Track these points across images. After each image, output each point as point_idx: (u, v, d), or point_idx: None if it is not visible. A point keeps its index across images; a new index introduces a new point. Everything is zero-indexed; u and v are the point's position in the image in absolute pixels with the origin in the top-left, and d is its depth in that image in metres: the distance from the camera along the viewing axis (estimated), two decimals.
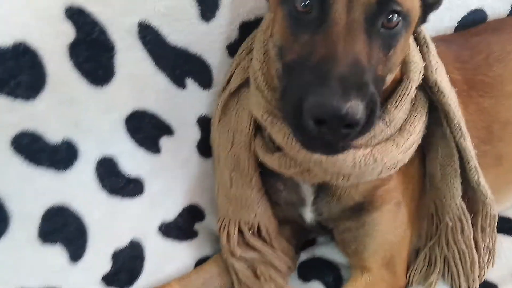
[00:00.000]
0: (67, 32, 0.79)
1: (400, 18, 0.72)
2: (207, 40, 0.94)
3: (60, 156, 0.82)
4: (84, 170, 0.85)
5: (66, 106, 0.81)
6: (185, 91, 0.95)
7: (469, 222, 0.93)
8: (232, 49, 0.97)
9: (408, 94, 0.83)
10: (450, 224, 0.93)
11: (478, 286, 0.95)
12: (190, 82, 0.95)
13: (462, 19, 1.22)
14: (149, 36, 0.87)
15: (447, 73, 0.92)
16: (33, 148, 0.79)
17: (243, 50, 0.95)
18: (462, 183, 0.91)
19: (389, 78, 0.79)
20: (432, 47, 0.89)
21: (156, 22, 0.87)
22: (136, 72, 0.88)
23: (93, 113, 0.85)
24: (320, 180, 0.86)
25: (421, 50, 0.88)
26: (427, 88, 0.88)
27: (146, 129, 0.92)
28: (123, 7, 0.84)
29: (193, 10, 0.90)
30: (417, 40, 0.89)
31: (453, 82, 0.94)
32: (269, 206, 0.98)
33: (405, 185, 0.94)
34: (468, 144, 0.90)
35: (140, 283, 0.96)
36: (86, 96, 0.83)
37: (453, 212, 0.92)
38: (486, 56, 1.07)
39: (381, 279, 0.95)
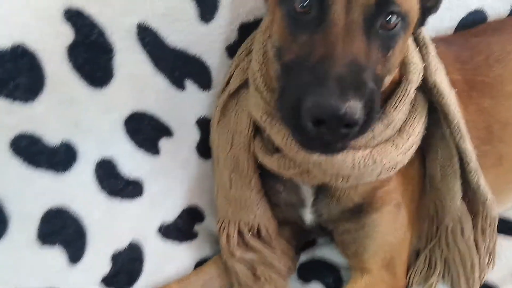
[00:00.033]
0: (66, 34, 0.79)
1: (398, 19, 0.72)
2: (206, 41, 0.94)
3: (59, 157, 0.82)
4: (83, 172, 0.85)
5: (65, 107, 0.81)
6: (185, 92, 0.95)
7: (469, 223, 0.93)
8: (231, 50, 0.97)
9: (407, 96, 0.83)
10: (450, 225, 0.93)
11: None
12: (189, 83, 0.95)
13: (462, 19, 1.22)
14: (148, 37, 0.87)
15: (447, 73, 0.92)
16: (32, 150, 0.79)
17: (243, 51, 0.95)
18: (462, 184, 0.91)
19: (388, 80, 0.79)
20: (431, 48, 0.89)
21: (155, 24, 0.87)
22: (135, 73, 0.88)
23: (92, 115, 0.85)
24: (320, 181, 0.86)
25: (420, 51, 0.88)
26: (427, 89, 0.88)
27: (146, 130, 0.92)
28: (122, 8, 0.84)
29: (192, 11, 0.89)
30: (416, 41, 0.89)
31: (453, 82, 0.94)
32: (269, 207, 0.98)
33: (405, 186, 0.94)
34: (468, 146, 0.89)
35: (140, 284, 0.96)
36: (85, 98, 0.83)
37: (453, 214, 0.92)
38: (486, 57, 1.07)
39: (381, 281, 0.95)
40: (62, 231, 0.84)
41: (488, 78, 1.05)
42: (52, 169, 0.81)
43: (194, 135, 1.00)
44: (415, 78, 0.84)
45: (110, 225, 0.91)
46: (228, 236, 0.97)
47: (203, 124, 1.00)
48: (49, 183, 0.82)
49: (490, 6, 1.24)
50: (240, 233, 0.97)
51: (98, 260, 0.90)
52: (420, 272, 0.98)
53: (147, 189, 0.95)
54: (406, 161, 0.86)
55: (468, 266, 0.94)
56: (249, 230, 0.97)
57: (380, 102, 0.76)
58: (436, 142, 0.92)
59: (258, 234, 0.98)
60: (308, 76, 0.66)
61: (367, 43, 0.69)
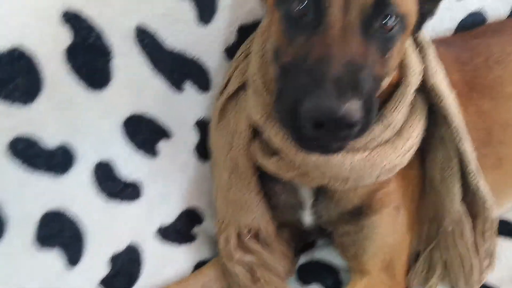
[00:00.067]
0: (64, 36, 0.79)
1: (396, 21, 0.72)
2: (205, 43, 0.94)
3: (57, 160, 0.82)
4: (81, 174, 0.85)
5: (63, 110, 0.81)
6: (183, 94, 0.95)
7: (469, 225, 0.92)
8: (230, 52, 0.97)
9: (406, 97, 0.83)
10: (449, 227, 0.92)
11: None
12: (188, 86, 0.95)
13: (462, 20, 1.22)
14: (146, 39, 0.87)
15: (447, 75, 0.92)
16: (30, 153, 0.79)
17: (241, 53, 0.95)
18: (462, 186, 0.91)
19: (386, 81, 0.79)
20: (431, 50, 0.89)
21: (153, 26, 0.87)
22: (133, 75, 0.88)
23: (91, 117, 0.85)
24: (318, 183, 0.86)
25: (419, 53, 0.88)
26: (426, 91, 0.88)
27: (144, 132, 0.92)
28: (120, 10, 0.84)
29: (191, 13, 0.90)
30: (415, 42, 0.89)
31: (452, 84, 0.93)
32: (268, 209, 0.97)
33: (405, 188, 0.94)
34: (468, 147, 0.89)
35: (138, 286, 0.96)
36: (83, 100, 0.83)
37: (453, 216, 0.92)
38: (486, 58, 1.07)
39: (381, 283, 0.94)
40: (61, 233, 0.84)
41: (487, 80, 1.04)
42: (50, 171, 0.81)
43: (193, 137, 1.00)
44: (414, 80, 0.84)
45: (109, 227, 0.90)
46: (227, 238, 0.97)
47: (202, 126, 1.00)
48: (47, 185, 0.81)
49: (490, 8, 1.23)
50: (239, 235, 0.97)
51: (96, 262, 0.90)
52: (420, 274, 0.98)
53: (146, 191, 0.95)
54: (405, 163, 0.85)
55: (467, 268, 0.94)
56: (248, 232, 0.97)
57: (378, 103, 0.76)
58: (436, 144, 0.92)
59: (257, 236, 0.98)
60: (305, 78, 0.65)
61: (364, 45, 0.69)
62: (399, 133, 0.84)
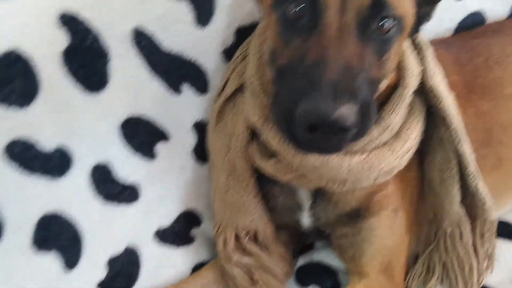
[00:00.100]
0: (61, 39, 0.79)
1: (393, 23, 0.71)
2: (202, 45, 0.93)
3: (54, 163, 0.82)
4: (78, 177, 0.85)
5: (60, 113, 0.81)
6: (181, 96, 0.95)
7: (468, 227, 0.92)
8: (228, 54, 0.97)
9: (404, 100, 0.82)
10: (448, 229, 0.92)
11: None
12: (186, 88, 0.95)
13: (461, 21, 1.21)
14: (143, 42, 0.87)
15: (446, 76, 0.91)
16: (27, 155, 0.78)
17: (239, 55, 0.94)
18: (461, 188, 0.90)
19: (384, 84, 0.79)
20: (429, 51, 0.89)
21: (150, 28, 0.87)
22: (131, 78, 0.88)
23: (88, 120, 0.84)
24: (316, 185, 0.86)
25: (418, 55, 0.87)
26: (424, 92, 0.87)
27: (142, 135, 0.92)
28: (117, 13, 0.84)
29: (189, 15, 0.89)
30: (414, 44, 0.88)
31: (452, 85, 0.93)
32: (266, 211, 0.97)
33: (403, 190, 0.93)
34: (467, 149, 0.88)
35: None
36: (80, 103, 0.83)
37: (452, 218, 0.91)
38: (486, 59, 1.06)
39: (379, 285, 0.94)
40: (58, 236, 0.84)
41: (487, 81, 1.04)
42: (47, 174, 0.81)
43: (190, 139, 1.00)
44: (412, 82, 0.83)
45: (106, 230, 0.90)
46: (225, 240, 0.97)
47: (200, 128, 0.99)
48: (44, 188, 0.81)
49: (490, 8, 1.23)
50: (237, 237, 0.97)
51: (94, 265, 0.89)
52: (419, 276, 0.97)
53: (144, 193, 0.95)
54: (404, 165, 0.85)
55: (466, 270, 0.93)
56: (246, 234, 0.97)
57: (376, 106, 0.76)
58: (435, 146, 0.91)
59: (255, 238, 0.98)
60: (301, 80, 0.65)
61: (361, 47, 0.69)
62: (397, 135, 0.84)
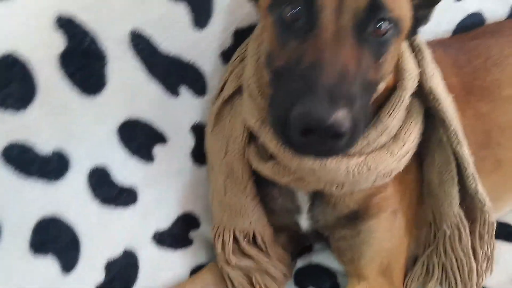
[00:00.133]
0: (58, 42, 0.79)
1: (390, 25, 0.71)
2: (200, 47, 0.93)
3: (51, 166, 0.81)
4: (76, 180, 0.85)
5: (58, 116, 0.81)
6: (179, 98, 0.94)
7: (467, 230, 0.91)
8: (226, 56, 0.96)
9: (402, 102, 0.82)
10: (447, 232, 0.92)
11: None
12: (183, 90, 0.94)
13: (460, 22, 1.21)
14: (141, 44, 0.86)
15: (445, 78, 0.91)
16: (23, 159, 0.78)
17: (237, 57, 0.94)
18: (460, 190, 0.90)
19: (381, 86, 0.78)
20: (427, 53, 0.88)
21: (148, 30, 0.87)
22: (128, 80, 0.87)
23: (85, 123, 0.84)
24: (314, 188, 0.86)
25: (416, 57, 0.87)
26: (423, 94, 0.87)
27: (139, 137, 0.92)
28: (114, 15, 0.83)
29: (186, 17, 0.89)
30: (411, 46, 0.88)
31: (450, 87, 0.93)
32: (264, 213, 0.97)
33: (402, 192, 0.93)
34: (465, 151, 0.88)
35: None
36: (77, 106, 0.83)
37: (451, 220, 0.91)
38: (484, 60, 1.06)
39: (378, 287, 0.94)
40: (55, 240, 0.84)
41: (485, 82, 1.04)
42: (44, 177, 0.81)
43: (188, 142, 0.99)
44: (410, 85, 0.83)
45: (104, 233, 0.90)
46: (223, 243, 0.97)
47: (198, 130, 0.99)
48: (41, 191, 0.81)
49: (488, 9, 1.23)
50: (235, 240, 0.97)
51: (91, 268, 0.89)
52: (418, 278, 0.97)
53: (141, 196, 0.95)
54: (402, 168, 0.85)
55: (465, 272, 0.93)
56: (245, 237, 0.97)
57: (370, 111, 0.76)
58: (433, 148, 0.91)
59: (253, 241, 0.98)
60: (297, 83, 0.65)
61: (357, 50, 0.68)
62: (395, 137, 0.84)
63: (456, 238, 0.92)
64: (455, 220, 0.91)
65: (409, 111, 0.86)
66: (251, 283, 0.98)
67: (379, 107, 0.83)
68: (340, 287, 1.04)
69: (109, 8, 0.83)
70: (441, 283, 0.96)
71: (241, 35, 0.96)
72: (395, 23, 0.72)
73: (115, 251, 0.93)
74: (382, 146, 0.82)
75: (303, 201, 0.94)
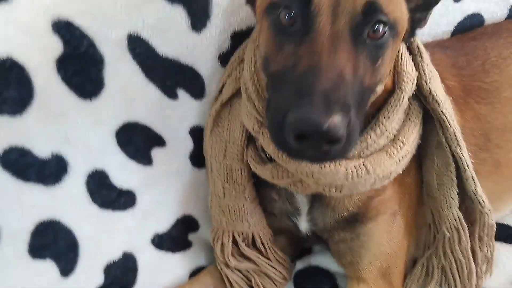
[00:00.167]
0: (55, 46, 0.79)
1: (386, 28, 0.71)
2: (198, 50, 0.93)
3: (49, 170, 0.82)
4: (74, 184, 0.85)
5: (55, 120, 0.81)
6: (177, 101, 0.94)
7: (467, 232, 0.91)
8: (224, 59, 0.96)
9: (400, 105, 0.82)
10: (447, 234, 0.91)
11: None
12: (181, 93, 0.94)
13: (459, 23, 1.20)
14: (138, 48, 0.86)
15: (444, 79, 0.91)
16: (21, 163, 0.79)
17: (235, 60, 0.94)
18: (459, 192, 0.90)
19: (380, 89, 0.78)
20: (425, 55, 0.88)
21: (145, 34, 0.86)
22: (126, 84, 0.88)
23: (83, 127, 0.84)
24: (313, 191, 0.85)
25: (414, 60, 0.87)
26: (422, 97, 0.87)
27: (138, 140, 0.92)
28: (112, 19, 0.83)
29: (183, 21, 0.89)
30: (410, 49, 0.88)
31: (449, 89, 0.93)
32: (263, 216, 0.97)
33: (401, 194, 0.93)
34: (465, 154, 0.88)
35: None
36: (75, 110, 0.83)
37: (450, 222, 0.91)
38: (483, 62, 1.06)
39: None
40: (54, 243, 0.84)
41: (484, 84, 1.03)
42: (42, 182, 0.81)
43: (187, 144, 0.99)
44: (408, 87, 0.83)
45: (103, 237, 0.90)
46: (222, 245, 0.97)
47: (196, 133, 0.99)
48: (39, 196, 0.81)
49: (487, 10, 1.22)
50: (235, 242, 0.97)
51: (90, 272, 0.90)
52: (418, 280, 0.97)
53: (140, 199, 0.95)
54: (401, 170, 0.85)
55: (465, 274, 0.93)
56: (244, 239, 0.97)
57: (369, 114, 0.76)
58: (432, 150, 0.91)
59: (253, 243, 0.98)
60: (293, 88, 0.65)
61: (354, 54, 0.68)
62: (394, 140, 0.83)
63: (456, 240, 0.92)
64: (455, 222, 0.91)
65: (408, 113, 0.86)
66: (251, 285, 0.98)
67: (378, 110, 0.82)
68: None
69: (106, 12, 0.83)
70: (440, 285, 0.96)
71: (239, 37, 0.95)
72: (392, 26, 0.72)
73: (114, 254, 0.93)
74: (381, 149, 0.82)
75: (302, 203, 0.94)
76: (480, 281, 0.94)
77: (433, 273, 0.95)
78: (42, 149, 0.80)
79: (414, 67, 0.86)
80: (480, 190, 0.89)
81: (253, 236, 0.97)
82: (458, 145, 0.87)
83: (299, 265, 1.09)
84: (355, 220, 0.91)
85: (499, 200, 1.06)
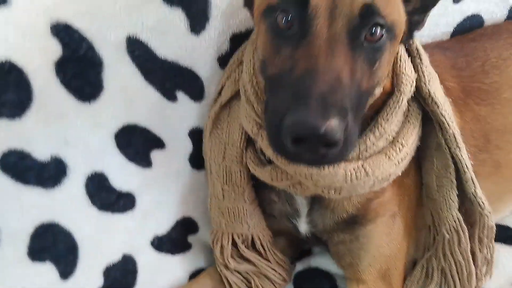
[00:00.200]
0: (54, 49, 0.79)
1: (384, 30, 0.71)
2: (197, 52, 0.93)
3: (48, 173, 0.82)
4: (73, 187, 0.85)
5: (54, 123, 0.81)
6: (176, 103, 0.94)
7: (466, 233, 0.91)
8: (223, 61, 0.96)
9: (399, 107, 0.82)
10: (447, 236, 0.91)
11: None
12: (181, 95, 0.94)
13: (458, 24, 1.20)
14: (137, 50, 0.87)
15: (443, 81, 0.91)
16: (20, 166, 0.79)
17: (234, 62, 0.94)
18: (459, 194, 0.89)
19: (378, 91, 0.78)
20: (424, 57, 0.88)
21: (144, 36, 0.87)
22: (125, 86, 0.88)
23: (82, 129, 0.84)
24: (312, 193, 0.86)
25: (413, 62, 0.87)
26: (421, 99, 0.87)
27: (137, 142, 0.92)
28: (110, 22, 0.83)
29: (182, 23, 0.89)
30: (409, 51, 0.88)
31: (449, 90, 0.92)
32: (263, 217, 0.97)
33: (401, 196, 0.93)
34: (464, 155, 0.88)
35: None
36: (74, 113, 0.83)
37: (450, 224, 0.91)
38: (483, 63, 1.06)
39: None
40: (53, 246, 0.84)
41: (484, 85, 1.03)
42: (41, 185, 0.81)
43: (186, 146, 0.99)
44: (407, 89, 0.82)
45: (102, 239, 0.91)
46: (222, 247, 0.97)
47: (196, 135, 0.99)
48: (39, 198, 0.82)
49: (487, 11, 1.22)
50: (234, 244, 0.97)
51: (90, 274, 0.90)
52: (417, 282, 0.97)
53: (139, 201, 0.95)
54: (400, 172, 0.84)
55: (465, 276, 0.93)
56: (243, 241, 0.97)
57: (367, 116, 0.75)
58: (432, 152, 0.91)
59: (252, 245, 0.98)
60: (290, 91, 0.65)
61: (351, 56, 0.68)
62: (393, 142, 0.83)
63: (456, 242, 0.91)
64: (454, 224, 0.91)
65: (407, 115, 0.86)
66: (250, 287, 0.98)
67: (377, 112, 0.82)
68: None
69: (105, 14, 0.83)
70: (440, 287, 0.96)
71: (238, 39, 0.95)
72: (389, 28, 0.71)
73: (114, 257, 0.93)
74: (380, 151, 0.82)
75: (302, 205, 0.94)
76: (480, 283, 0.94)
77: (433, 275, 0.95)
78: (41, 152, 0.80)
79: (413, 69, 0.86)
80: (480, 192, 0.89)
81: (252, 238, 0.97)
82: (458, 147, 0.87)
83: (299, 266, 1.09)
84: (355, 222, 0.91)
85: (499, 201, 1.06)
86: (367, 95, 0.73)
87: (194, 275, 1.04)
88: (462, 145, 0.88)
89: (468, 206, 0.91)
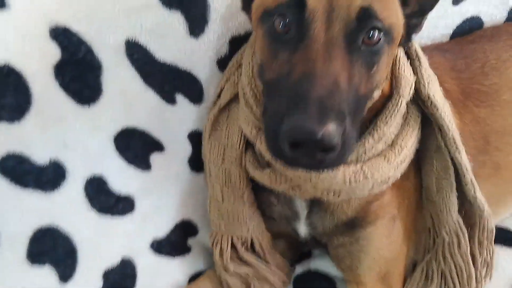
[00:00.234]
0: (53, 53, 0.79)
1: (381, 34, 0.70)
2: (196, 55, 0.93)
3: (47, 177, 0.82)
4: (72, 190, 0.85)
5: (53, 126, 0.81)
6: (175, 106, 0.94)
7: (466, 236, 0.91)
8: (222, 64, 0.96)
9: (398, 109, 0.82)
10: (446, 238, 0.91)
11: None
12: (180, 98, 0.94)
13: (457, 26, 1.20)
14: (136, 53, 0.86)
15: (443, 83, 0.91)
16: (19, 170, 0.79)
17: (233, 65, 0.94)
18: (458, 196, 0.89)
19: (377, 94, 0.78)
20: (423, 60, 0.88)
21: (143, 40, 0.86)
22: (124, 89, 0.88)
23: (81, 133, 0.84)
24: (311, 195, 0.85)
25: (412, 64, 0.86)
26: (420, 101, 0.87)
27: (136, 146, 0.92)
28: (110, 25, 0.83)
29: (181, 26, 0.89)
30: (408, 53, 0.87)
31: (448, 92, 0.92)
32: (263, 220, 0.97)
33: (400, 199, 0.93)
34: (464, 158, 0.88)
35: None
36: (73, 116, 0.83)
37: (450, 227, 0.91)
38: (482, 65, 1.06)
39: None
40: (52, 249, 0.84)
41: (484, 87, 1.03)
42: (40, 188, 0.81)
43: (186, 149, 0.99)
44: (406, 92, 0.82)
45: (101, 242, 0.90)
46: (221, 250, 0.97)
47: (195, 138, 0.99)
48: (38, 202, 0.81)
49: (486, 13, 1.22)
50: (233, 247, 0.97)
51: (89, 278, 0.90)
52: (417, 285, 0.97)
53: (139, 205, 0.95)
54: (399, 175, 0.84)
55: (464, 279, 0.93)
56: (243, 244, 0.97)
57: (366, 119, 0.75)
58: (431, 154, 0.91)
59: (252, 248, 0.98)
60: (288, 96, 0.65)
61: (349, 60, 0.68)
62: (392, 144, 0.83)
63: (455, 244, 0.91)
64: (454, 227, 0.91)
65: (406, 118, 0.86)
66: None
67: (376, 115, 0.82)
68: None
69: (104, 17, 0.83)
70: None
71: (237, 42, 0.95)
72: (387, 32, 0.71)
73: (113, 260, 0.93)
74: (379, 154, 0.82)
75: (301, 208, 0.94)
76: (479, 285, 0.94)
77: (433, 277, 0.95)
78: (40, 156, 0.80)
79: (412, 71, 0.86)
80: (479, 194, 0.89)
81: (252, 241, 0.97)
82: (457, 149, 0.87)
83: (299, 269, 1.09)
84: (354, 224, 0.91)
85: (499, 203, 1.06)
86: (366, 98, 0.73)
87: (193, 278, 1.04)
88: (461, 147, 0.87)
89: (467, 208, 0.91)
